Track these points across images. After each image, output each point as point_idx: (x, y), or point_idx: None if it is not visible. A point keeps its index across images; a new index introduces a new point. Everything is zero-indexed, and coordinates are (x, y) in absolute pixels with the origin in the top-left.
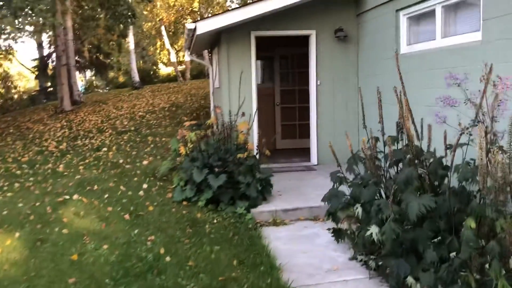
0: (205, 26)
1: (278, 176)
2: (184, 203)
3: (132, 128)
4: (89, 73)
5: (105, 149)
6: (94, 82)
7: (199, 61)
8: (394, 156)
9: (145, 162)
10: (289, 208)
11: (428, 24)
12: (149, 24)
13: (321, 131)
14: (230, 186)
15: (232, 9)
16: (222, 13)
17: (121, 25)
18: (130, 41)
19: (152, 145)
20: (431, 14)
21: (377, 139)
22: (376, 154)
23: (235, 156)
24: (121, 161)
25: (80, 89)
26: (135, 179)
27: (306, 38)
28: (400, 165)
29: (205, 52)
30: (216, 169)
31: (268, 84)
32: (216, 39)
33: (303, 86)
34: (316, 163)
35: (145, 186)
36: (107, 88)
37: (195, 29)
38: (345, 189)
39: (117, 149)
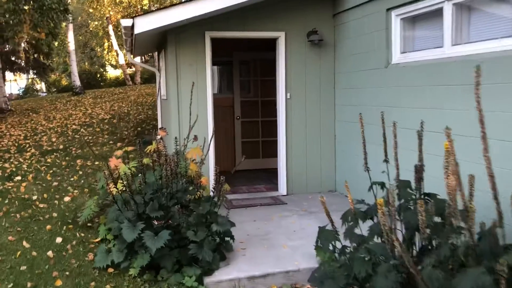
0: (146, 24)
1: (239, 214)
2: (110, 270)
3: (61, 147)
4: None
5: (18, 177)
6: (33, 85)
7: (142, 66)
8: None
9: (66, 199)
10: (257, 275)
11: (431, 28)
12: (96, 23)
13: (291, 153)
14: (176, 245)
15: (182, 3)
16: (169, 7)
17: (50, 21)
18: (70, 41)
19: (81, 172)
20: (435, 14)
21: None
22: (394, 223)
23: (183, 201)
24: (34, 197)
25: (18, 91)
26: (48, 227)
27: (271, 41)
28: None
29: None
30: (156, 222)
31: (227, 94)
32: (163, 39)
33: (268, 97)
34: (285, 193)
35: (59, 240)
36: (48, 92)
37: (132, 26)
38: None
39: (34, 178)
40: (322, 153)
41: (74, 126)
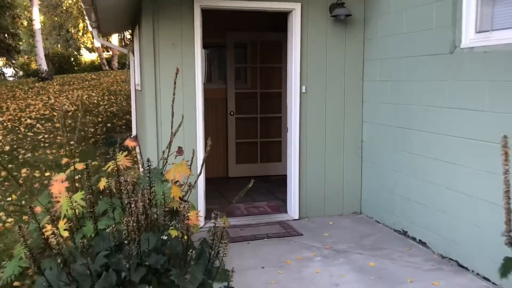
0: None
1: (239, 254)
2: None
3: (7, 148)
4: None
5: None
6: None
7: (110, 46)
8: None
9: None
10: None
11: None
12: (69, 1)
13: (305, 164)
14: None
15: None
16: None
17: None
18: (36, 19)
19: (24, 187)
20: None
21: None
22: None
23: (159, 267)
24: None
25: None
26: None
27: (278, 18)
28: None
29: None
30: None
31: (218, 84)
32: (137, 9)
33: (269, 88)
34: (297, 217)
35: None
36: (16, 76)
37: None
38: None
39: None
40: (345, 164)
41: (29, 121)
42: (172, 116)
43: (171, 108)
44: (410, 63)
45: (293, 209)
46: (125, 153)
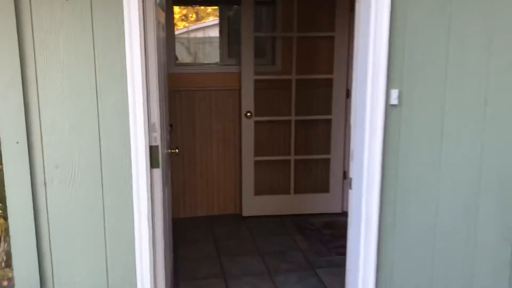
0: None
1: None
2: None
3: None
4: None
5: None
6: None
7: None
8: None
9: None
10: None
11: None
12: None
13: (394, 236)
14: None
15: None
16: None
17: None
18: None
19: None
20: None
21: None
22: None
23: None
24: None
25: None
26: None
27: None
28: None
29: None
30: None
31: (226, 64)
32: None
33: (312, 73)
34: None
35: None
36: None
37: None
38: None
39: None
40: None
41: None
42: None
43: None
44: None
45: None
46: None
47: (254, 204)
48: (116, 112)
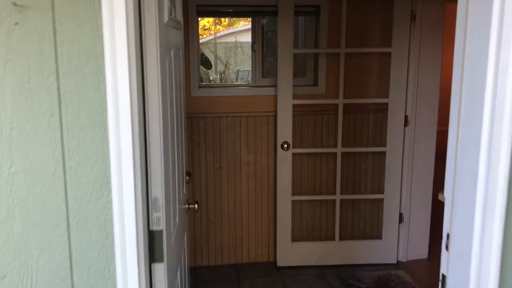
0: None
1: None
2: None
3: None
4: None
5: None
6: None
7: None
8: None
9: None
10: None
11: None
12: None
13: None
14: None
15: None
16: None
17: None
18: None
19: None
20: None
21: None
22: None
23: None
24: None
25: None
26: None
27: None
28: None
29: None
30: None
31: (260, 86)
32: None
33: (362, 96)
34: None
35: None
36: None
37: None
38: None
39: None
40: None
41: None
42: None
43: None
44: None
45: None
46: None
47: (291, 252)
48: (92, 189)
